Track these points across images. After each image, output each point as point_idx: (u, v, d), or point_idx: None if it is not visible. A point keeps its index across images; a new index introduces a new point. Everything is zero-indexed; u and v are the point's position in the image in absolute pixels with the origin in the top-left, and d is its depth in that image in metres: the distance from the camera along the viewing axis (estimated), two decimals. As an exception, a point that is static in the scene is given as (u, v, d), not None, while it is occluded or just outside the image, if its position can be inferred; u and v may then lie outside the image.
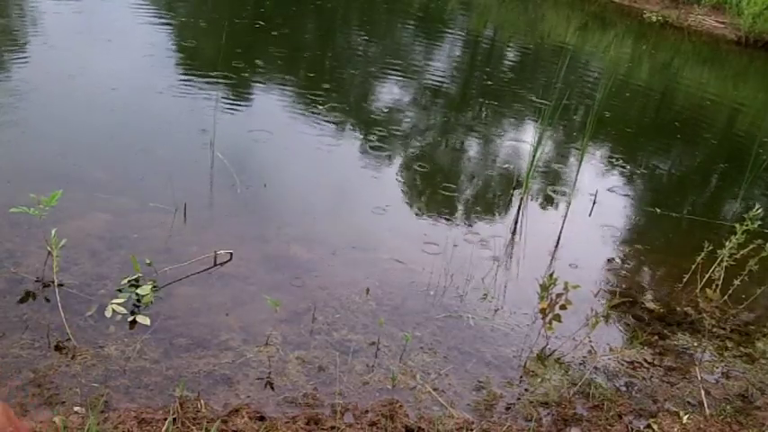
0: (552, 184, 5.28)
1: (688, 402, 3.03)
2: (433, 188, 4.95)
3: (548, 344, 3.24)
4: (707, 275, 3.85)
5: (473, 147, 5.92)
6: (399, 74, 7.43)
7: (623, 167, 5.93)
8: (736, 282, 3.70)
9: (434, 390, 2.82)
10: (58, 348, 2.67)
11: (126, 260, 3.19)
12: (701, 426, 2.86)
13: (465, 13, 12.00)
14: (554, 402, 2.87)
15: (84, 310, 2.90)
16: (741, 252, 3.75)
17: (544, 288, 3.19)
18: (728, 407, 3.01)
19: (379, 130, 5.65)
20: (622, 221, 4.93)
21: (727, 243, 3.79)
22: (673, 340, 3.48)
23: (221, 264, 3.39)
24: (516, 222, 4.54)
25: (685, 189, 6.03)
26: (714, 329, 3.62)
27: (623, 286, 3.94)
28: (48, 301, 2.92)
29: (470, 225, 4.39)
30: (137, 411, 2.40)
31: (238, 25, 7.64)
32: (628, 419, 2.84)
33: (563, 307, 3.14)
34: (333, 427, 2.49)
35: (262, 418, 2.49)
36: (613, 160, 6.02)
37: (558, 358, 3.17)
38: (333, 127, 5.51)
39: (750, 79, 11.07)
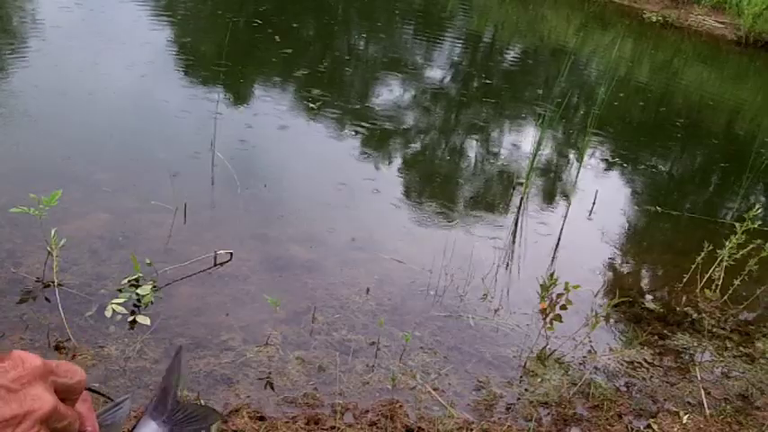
0: (552, 184, 5.28)
1: (688, 402, 3.03)
2: (433, 188, 4.95)
3: (548, 344, 3.24)
4: (707, 275, 3.85)
5: (473, 146, 5.93)
6: (399, 73, 7.43)
7: (624, 167, 5.93)
8: (736, 282, 3.71)
9: (434, 390, 2.82)
10: (58, 348, 2.67)
11: (126, 260, 3.19)
12: (701, 426, 2.86)
13: (465, 12, 12.01)
14: (554, 402, 2.87)
15: (84, 310, 2.90)
16: (741, 252, 3.75)
17: (545, 288, 3.19)
18: (728, 407, 3.01)
19: (380, 130, 5.65)
20: (623, 221, 4.93)
21: (727, 243, 3.79)
22: (673, 340, 3.48)
23: (221, 264, 3.39)
24: (516, 222, 4.54)
25: (686, 188, 6.03)
26: (714, 329, 3.62)
27: (623, 286, 3.95)
28: (48, 301, 2.93)
29: (471, 225, 4.39)
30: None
31: (237, 24, 7.64)
32: (628, 419, 2.84)
33: (563, 307, 3.14)
34: (333, 427, 2.49)
35: (262, 418, 2.49)
36: (614, 160, 6.02)
37: (558, 358, 3.17)
38: (333, 127, 5.51)
39: (750, 79, 11.08)
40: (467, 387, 2.89)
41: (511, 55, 10.07)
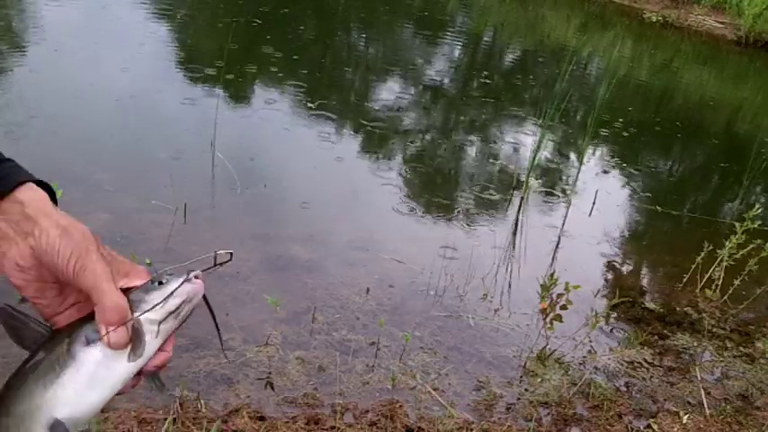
0: (552, 184, 5.28)
1: (688, 402, 3.03)
2: (433, 188, 4.95)
3: (548, 344, 3.24)
4: (707, 275, 3.85)
5: (473, 146, 5.93)
6: (399, 73, 7.43)
7: (624, 167, 5.93)
8: (736, 282, 3.71)
9: (434, 390, 2.82)
10: (58, 348, 2.67)
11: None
12: (701, 426, 2.86)
13: (465, 12, 12.01)
14: (554, 402, 2.87)
15: (84, 310, 2.90)
16: (741, 252, 3.75)
17: (545, 288, 3.19)
18: (728, 407, 3.01)
19: (380, 130, 5.65)
20: (622, 221, 4.93)
21: (727, 243, 3.79)
22: (673, 340, 3.48)
23: (221, 264, 3.38)
24: (516, 222, 4.54)
25: (686, 188, 6.03)
26: (714, 329, 3.62)
27: (623, 286, 3.95)
28: (48, 301, 2.92)
29: (470, 225, 4.40)
30: (137, 411, 2.40)
31: (237, 24, 7.64)
32: (628, 419, 2.84)
33: (563, 307, 3.14)
34: (333, 427, 2.49)
35: (262, 418, 2.49)
36: (614, 160, 6.02)
37: (558, 358, 3.17)
38: (333, 127, 5.51)
39: (750, 79, 11.08)
40: (467, 387, 2.89)
41: (511, 55, 10.08)
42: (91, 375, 0.72)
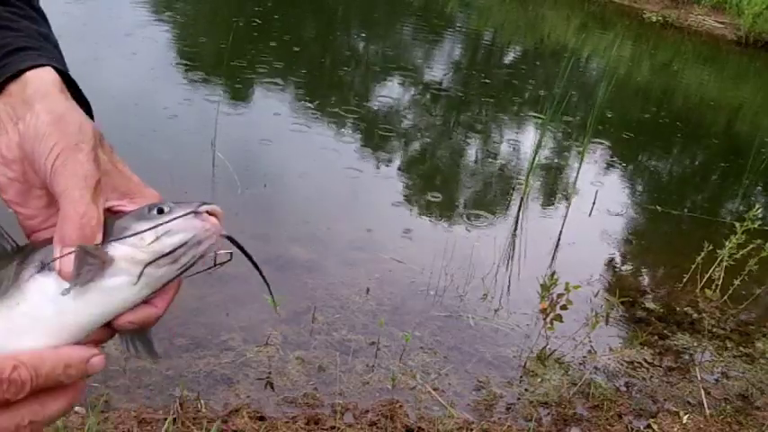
0: (552, 184, 5.28)
1: (688, 402, 3.03)
2: (433, 187, 4.95)
3: (548, 344, 3.23)
4: (707, 275, 3.85)
5: (473, 147, 5.93)
6: (399, 73, 7.43)
7: (624, 167, 5.93)
8: (736, 282, 3.71)
9: (434, 390, 2.82)
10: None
11: (126, 260, 3.18)
12: (701, 426, 2.86)
13: (465, 12, 12.01)
14: (554, 402, 2.87)
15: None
16: (741, 252, 3.75)
17: (545, 288, 3.19)
18: (728, 407, 3.01)
19: (379, 130, 5.65)
20: (622, 221, 4.93)
21: (727, 243, 3.79)
22: (673, 340, 3.48)
23: (221, 264, 3.38)
24: (516, 222, 4.54)
25: (686, 188, 6.03)
26: (714, 329, 3.62)
27: (623, 286, 3.95)
28: (48, 301, 2.92)
29: (470, 225, 4.40)
30: (137, 411, 2.40)
31: (237, 24, 7.64)
32: (628, 419, 2.84)
33: (564, 307, 3.14)
34: (333, 427, 2.49)
35: (262, 418, 2.49)
36: (614, 160, 6.02)
37: (558, 358, 3.17)
38: (332, 127, 5.52)
39: (750, 79, 11.08)
40: (467, 387, 2.89)
41: (511, 55, 10.08)
42: (33, 314, 0.53)
